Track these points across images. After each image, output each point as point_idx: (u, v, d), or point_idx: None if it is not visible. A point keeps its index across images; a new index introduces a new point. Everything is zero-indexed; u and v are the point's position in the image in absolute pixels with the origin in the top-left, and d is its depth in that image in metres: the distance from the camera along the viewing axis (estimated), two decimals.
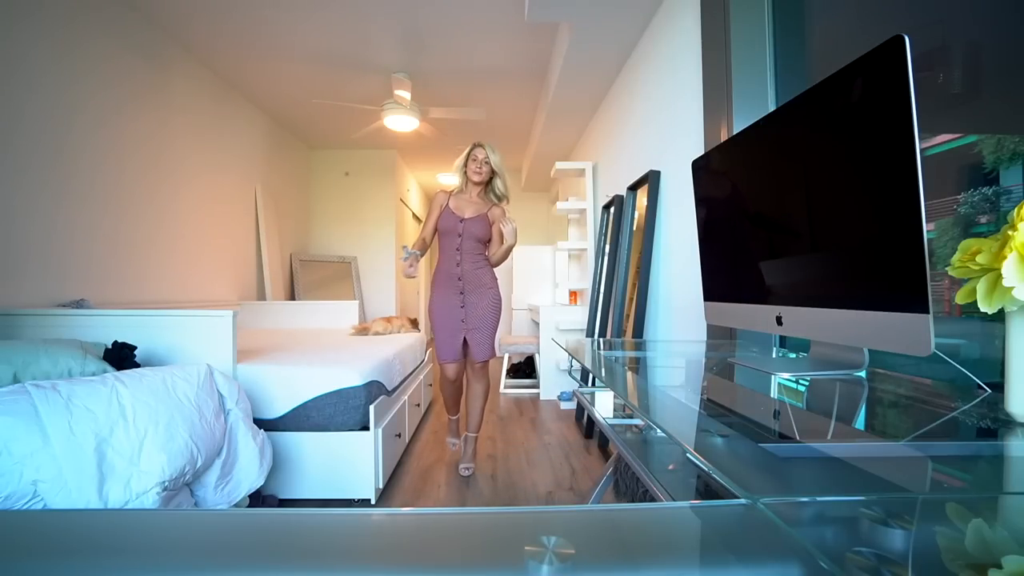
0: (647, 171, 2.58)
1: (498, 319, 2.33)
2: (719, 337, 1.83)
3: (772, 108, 1.74)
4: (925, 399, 0.88)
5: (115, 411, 1.35)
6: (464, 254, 2.25)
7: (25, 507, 1.16)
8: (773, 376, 0.96)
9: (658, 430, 0.63)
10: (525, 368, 4.56)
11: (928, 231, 0.77)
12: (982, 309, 0.61)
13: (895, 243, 0.70)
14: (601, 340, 2.73)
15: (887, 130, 0.70)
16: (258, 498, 1.82)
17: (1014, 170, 0.97)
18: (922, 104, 0.64)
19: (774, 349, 1.57)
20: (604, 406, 1.35)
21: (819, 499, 0.43)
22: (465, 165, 2.31)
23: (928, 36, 1.13)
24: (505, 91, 4.11)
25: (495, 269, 2.38)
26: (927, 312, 0.65)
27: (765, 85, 1.76)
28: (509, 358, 4.41)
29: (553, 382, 3.88)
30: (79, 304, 2.22)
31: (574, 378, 1.55)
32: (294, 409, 1.97)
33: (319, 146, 5.62)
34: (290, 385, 1.98)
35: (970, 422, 0.72)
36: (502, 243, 2.27)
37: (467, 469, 2.32)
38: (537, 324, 3.93)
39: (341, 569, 0.34)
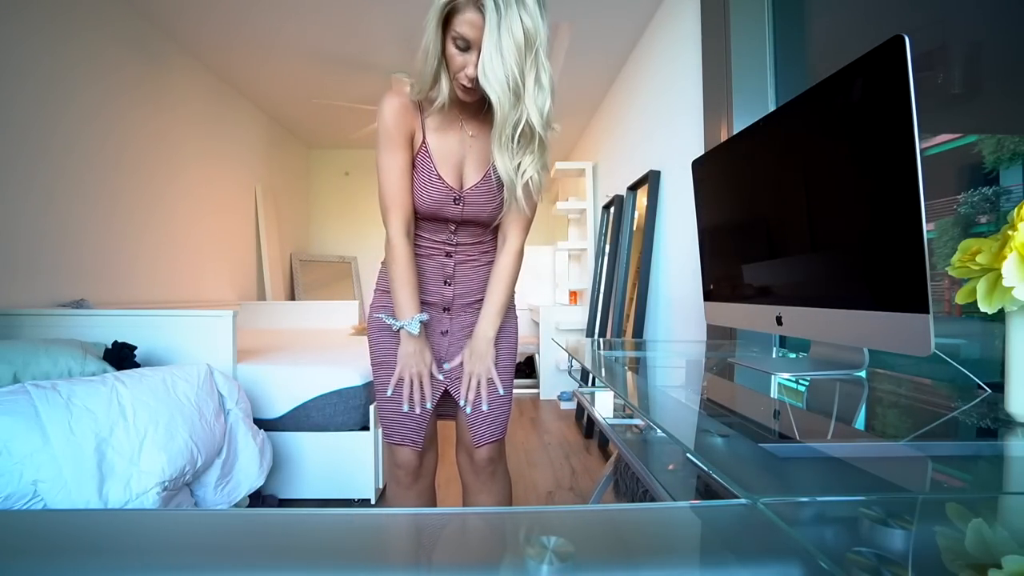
0: (647, 171, 2.58)
1: (516, 353, 1.22)
2: (719, 337, 1.82)
3: (772, 108, 1.74)
4: (925, 399, 0.88)
5: (115, 411, 1.35)
6: (461, 246, 1.16)
7: (25, 507, 1.16)
8: (773, 376, 0.96)
9: (658, 430, 0.63)
10: (525, 368, 4.56)
11: (928, 231, 0.77)
12: (982, 309, 0.61)
13: (895, 243, 0.70)
14: (601, 340, 2.73)
15: (887, 130, 0.70)
16: (258, 498, 1.82)
17: (1014, 170, 0.97)
18: (922, 104, 0.64)
19: (774, 349, 1.57)
20: (604, 406, 1.35)
21: (819, 499, 0.43)
22: (443, 53, 0.95)
23: (928, 36, 1.13)
24: None
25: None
26: (927, 312, 0.65)
27: (765, 85, 1.76)
28: None
29: (553, 382, 3.88)
30: (79, 304, 2.22)
31: (574, 378, 1.55)
32: (294, 409, 1.97)
33: (319, 146, 5.61)
34: (290, 385, 1.98)
35: (970, 422, 0.72)
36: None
37: None
38: (537, 324, 3.93)
39: (341, 569, 0.34)
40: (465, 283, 1.18)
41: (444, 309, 1.17)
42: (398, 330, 1.09)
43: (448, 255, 1.15)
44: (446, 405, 1.21)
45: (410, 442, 1.15)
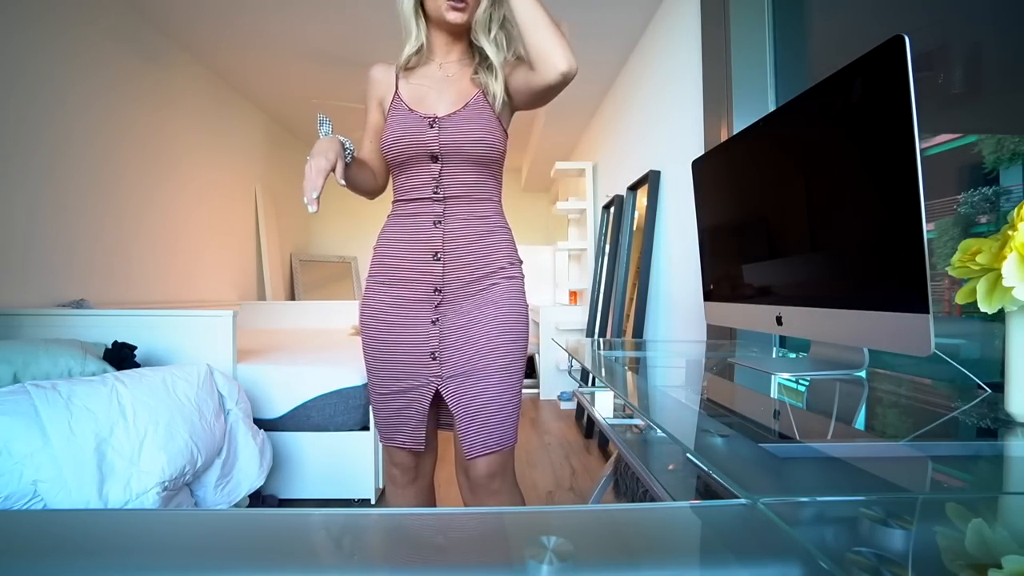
0: (647, 171, 2.58)
1: (525, 346, 1.10)
2: (719, 337, 1.82)
3: (772, 108, 1.74)
4: (925, 399, 0.88)
5: (115, 411, 1.35)
6: (450, 199, 1.04)
7: (25, 507, 1.16)
8: (773, 376, 0.96)
9: (658, 430, 0.63)
10: (525, 368, 4.56)
11: (928, 231, 0.77)
12: (982, 309, 0.61)
13: (895, 243, 0.70)
14: (601, 340, 2.73)
15: (887, 130, 0.70)
16: (258, 498, 1.82)
17: (1014, 170, 0.97)
18: (922, 104, 0.64)
19: (774, 349, 1.57)
20: (604, 406, 1.35)
21: (819, 499, 0.43)
22: None
23: (928, 36, 1.13)
24: None
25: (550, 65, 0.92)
26: (927, 312, 0.65)
27: (765, 85, 1.76)
28: None
29: (553, 382, 3.88)
30: (79, 304, 2.21)
31: (574, 378, 1.55)
32: (294, 409, 1.97)
33: None
34: (290, 385, 1.98)
35: (970, 422, 0.72)
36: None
37: None
38: (537, 324, 3.93)
39: (341, 569, 0.34)
40: (459, 258, 1.04)
41: (435, 290, 1.04)
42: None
43: (436, 222, 1.03)
44: (447, 414, 1.12)
45: (410, 443, 1.07)
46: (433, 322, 1.04)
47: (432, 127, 1.01)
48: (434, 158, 1.02)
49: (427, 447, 1.13)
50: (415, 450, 1.09)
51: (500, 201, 1.11)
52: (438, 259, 1.03)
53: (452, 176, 1.04)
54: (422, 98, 1.05)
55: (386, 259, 1.07)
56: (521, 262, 1.11)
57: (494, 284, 1.06)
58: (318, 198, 0.92)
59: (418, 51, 1.05)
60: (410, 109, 1.04)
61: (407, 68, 1.08)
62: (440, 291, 1.04)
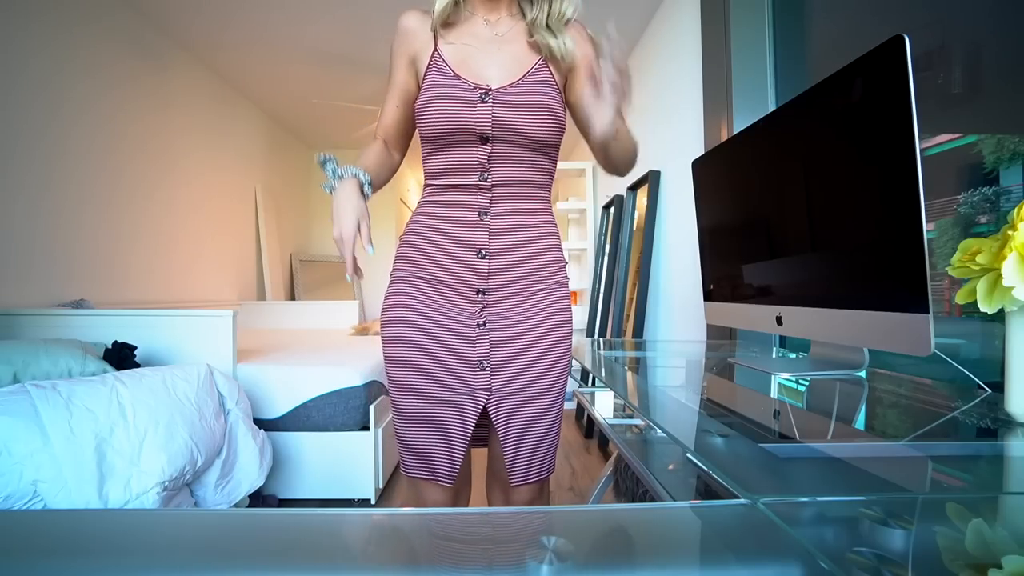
0: (647, 171, 2.58)
1: (570, 360, 0.99)
2: (719, 337, 1.83)
3: (772, 108, 1.74)
4: (925, 399, 0.88)
5: (115, 411, 1.35)
6: (498, 188, 0.89)
7: (25, 507, 1.16)
8: (773, 376, 0.96)
9: (658, 430, 0.63)
10: None
11: (928, 231, 0.77)
12: (982, 309, 0.61)
13: (895, 243, 0.70)
14: (601, 340, 2.73)
15: (887, 130, 0.70)
16: (258, 498, 1.82)
17: (1014, 170, 0.97)
18: (922, 104, 0.64)
19: (774, 349, 1.57)
20: (604, 406, 1.35)
21: (819, 499, 0.43)
22: None
23: (928, 36, 1.13)
24: None
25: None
26: (927, 312, 0.65)
27: (765, 85, 1.76)
28: None
29: None
30: (79, 304, 2.21)
31: (574, 378, 1.54)
32: (294, 409, 1.97)
33: (319, 146, 5.61)
34: (290, 385, 1.98)
35: (970, 422, 0.72)
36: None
37: None
38: None
39: (341, 569, 0.34)
40: (506, 256, 0.89)
41: (478, 292, 0.89)
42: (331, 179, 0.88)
43: (481, 213, 0.88)
44: (481, 428, 0.95)
45: (440, 477, 0.89)
46: (479, 325, 0.90)
47: (484, 101, 0.84)
48: (483, 139, 0.86)
49: (462, 482, 0.96)
50: (447, 485, 0.90)
51: (551, 192, 0.96)
52: (483, 257, 0.88)
53: (503, 161, 0.87)
54: (468, 61, 0.87)
55: (420, 253, 0.91)
56: (566, 263, 0.99)
57: (543, 289, 0.93)
58: (357, 266, 0.85)
59: (456, 2, 0.88)
60: (456, 75, 0.86)
61: (445, 24, 0.89)
62: (483, 293, 0.90)
